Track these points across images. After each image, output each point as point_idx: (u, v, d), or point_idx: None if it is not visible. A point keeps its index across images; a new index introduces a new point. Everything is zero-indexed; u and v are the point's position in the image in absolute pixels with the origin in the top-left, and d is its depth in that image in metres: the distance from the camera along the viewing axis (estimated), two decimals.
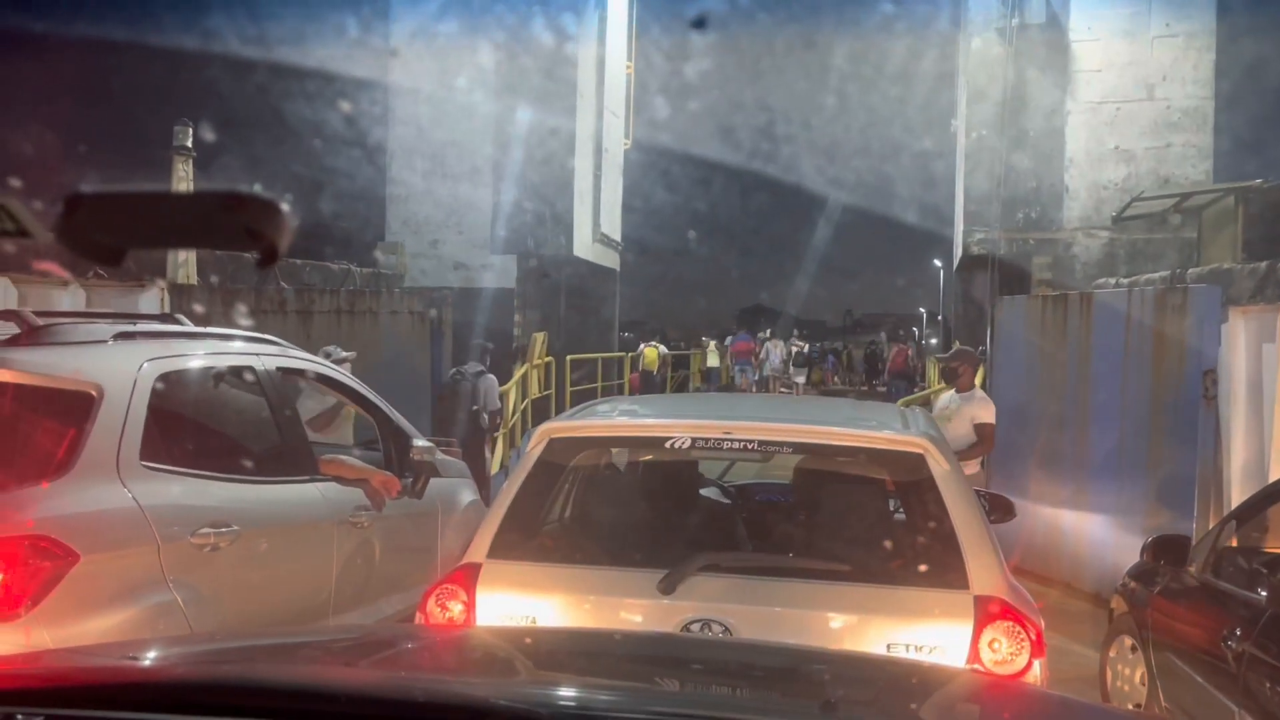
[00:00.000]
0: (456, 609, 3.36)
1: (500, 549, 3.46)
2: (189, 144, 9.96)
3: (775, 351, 27.06)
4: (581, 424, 3.91)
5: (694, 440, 3.63)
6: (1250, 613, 3.96)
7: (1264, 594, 3.95)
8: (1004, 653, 3.08)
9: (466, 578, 3.39)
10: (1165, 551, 4.75)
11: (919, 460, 3.46)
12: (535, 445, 3.72)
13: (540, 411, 13.82)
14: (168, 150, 10.04)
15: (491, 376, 9.40)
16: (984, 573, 3.22)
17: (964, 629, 3.10)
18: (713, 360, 26.43)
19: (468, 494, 6.21)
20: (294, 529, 4.23)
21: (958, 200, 17.67)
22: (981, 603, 3.14)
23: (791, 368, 26.72)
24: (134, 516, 3.37)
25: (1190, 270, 11.32)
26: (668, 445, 3.64)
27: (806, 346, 31.56)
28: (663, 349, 22.92)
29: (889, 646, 3.12)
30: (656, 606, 3.22)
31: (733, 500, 4.78)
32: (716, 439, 3.63)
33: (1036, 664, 3.09)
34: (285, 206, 1.16)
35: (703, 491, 4.71)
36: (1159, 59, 15.37)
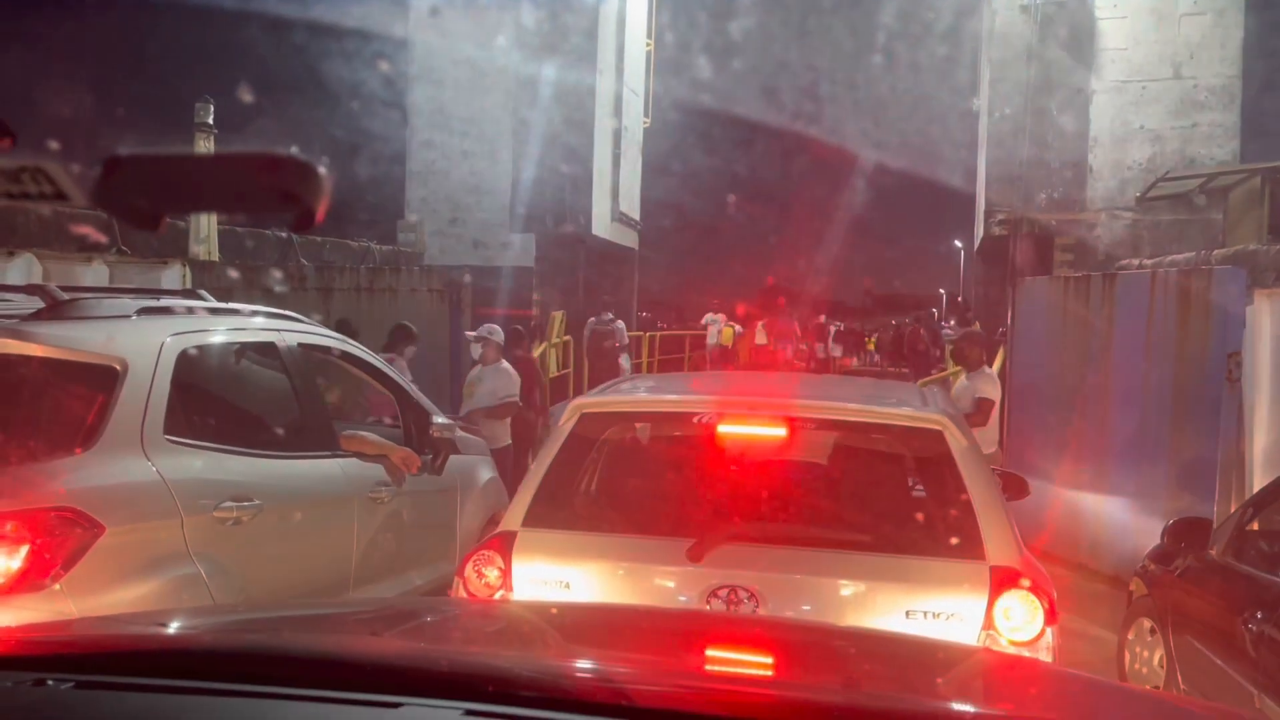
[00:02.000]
0: (493, 574, 3.49)
1: (535, 518, 3.59)
2: (210, 120, 9.99)
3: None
4: (612, 399, 4.11)
5: (720, 415, 3.74)
6: (1271, 596, 3.94)
7: None
8: (1018, 620, 3.19)
9: (503, 545, 3.53)
10: (1186, 534, 4.73)
11: (938, 436, 3.57)
12: (568, 420, 3.84)
13: (558, 390, 13.84)
14: (189, 127, 10.06)
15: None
16: (999, 544, 3.34)
17: (980, 598, 3.21)
18: (760, 339, 27.73)
19: (486, 471, 6.25)
20: (315, 504, 4.27)
21: (979, 180, 17.51)
22: (997, 573, 3.25)
23: (832, 345, 29.33)
24: (158, 489, 3.40)
25: (1215, 252, 11.20)
26: (695, 420, 3.82)
27: (843, 326, 34.51)
28: (737, 327, 24.47)
29: (907, 614, 3.21)
30: (685, 573, 3.35)
31: (757, 474, 4.87)
32: (742, 414, 3.76)
33: (1049, 632, 3.20)
34: (323, 169, 1.15)
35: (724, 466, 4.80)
36: (1186, 37, 15.13)
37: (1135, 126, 15.41)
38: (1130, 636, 5.37)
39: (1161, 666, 4.93)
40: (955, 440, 3.56)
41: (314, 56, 18.88)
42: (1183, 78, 15.17)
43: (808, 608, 3.35)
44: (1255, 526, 4.64)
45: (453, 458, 5.49)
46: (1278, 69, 15.24)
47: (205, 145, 9.99)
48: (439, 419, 5.48)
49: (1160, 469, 8.20)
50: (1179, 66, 15.15)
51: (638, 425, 4.28)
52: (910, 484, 4.10)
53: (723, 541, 3.39)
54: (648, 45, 23.08)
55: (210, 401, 4.09)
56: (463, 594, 3.55)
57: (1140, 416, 8.53)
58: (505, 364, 8.40)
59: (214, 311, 4.23)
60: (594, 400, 4.03)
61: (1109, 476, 8.77)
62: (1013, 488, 4.56)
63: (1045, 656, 3.18)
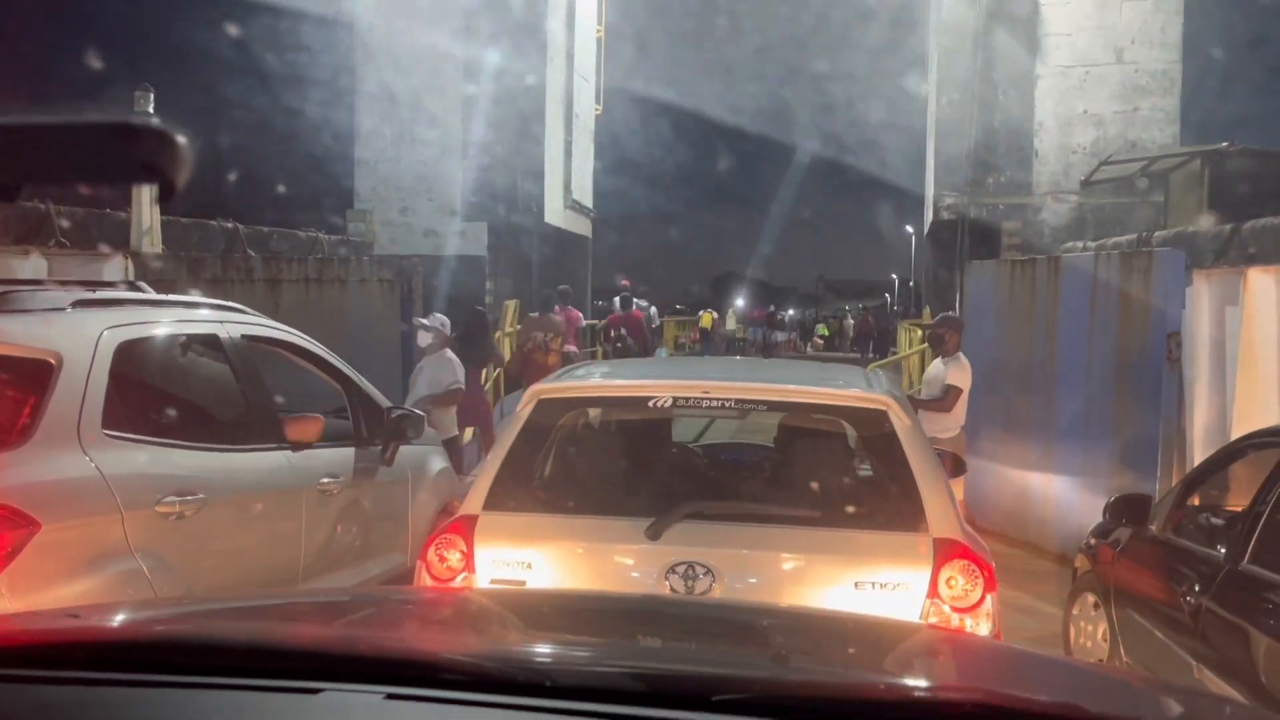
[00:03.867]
0: (455, 558, 3.57)
1: (495, 501, 3.68)
2: (150, 109, 9.76)
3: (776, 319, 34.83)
4: (569, 385, 4.19)
5: (675, 399, 3.89)
6: (1208, 569, 4.04)
7: (1222, 550, 4.03)
8: (960, 588, 3.35)
9: (465, 528, 3.60)
10: (1127, 510, 4.83)
11: (882, 416, 3.73)
12: (525, 405, 3.95)
13: (513, 378, 13.78)
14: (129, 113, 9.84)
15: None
16: (941, 518, 3.50)
17: (924, 567, 3.37)
18: (731, 324, 30.84)
19: (438, 461, 6.21)
20: (261, 496, 4.21)
21: (928, 165, 17.69)
22: (940, 544, 3.41)
23: (791, 332, 34.80)
24: (96, 485, 3.34)
25: (1156, 234, 11.42)
26: (650, 404, 3.91)
27: (791, 314, 41.14)
28: (715, 314, 28.61)
29: (856, 585, 3.37)
30: (644, 551, 3.47)
31: (708, 457, 4.98)
32: (696, 398, 3.89)
33: (989, 598, 3.38)
34: (182, 138, 1.11)
35: (678, 449, 4.93)
36: (1127, 22, 15.38)
37: (1079, 111, 15.65)
38: (1075, 611, 5.48)
39: (1105, 640, 5.03)
40: (898, 420, 3.71)
41: (258, 45, 18.55)
42: (1124, 63, 15.43)
43: (761, 581, 3.48)
44: (1193, 502, 4.76)
45: (404, 448, 5.45)
46: (1217, 54, 15.53)
47: None
48: (402, 409, 5.46)
49: (1104, 448, 8.36)
50: (1120, 52, 15.40)
51: (592, 410, 4.36)
52: (856, 462, 4.24)
53: (679, 520, 3.50)
54: (598, 33, 22.99)
55: (151, 395, 4.02)
56: (426, 578, 3.62)
57: (1085, 397, 8.69)
58: (449, 353, 8.33)
59: (153, 303, 4.15)
60: (551, 386, 4.10)
61: (1055, 456, 8.92)
62: (952, 465, 4.76)
63: (986, 622, 3.37)
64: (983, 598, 3.35)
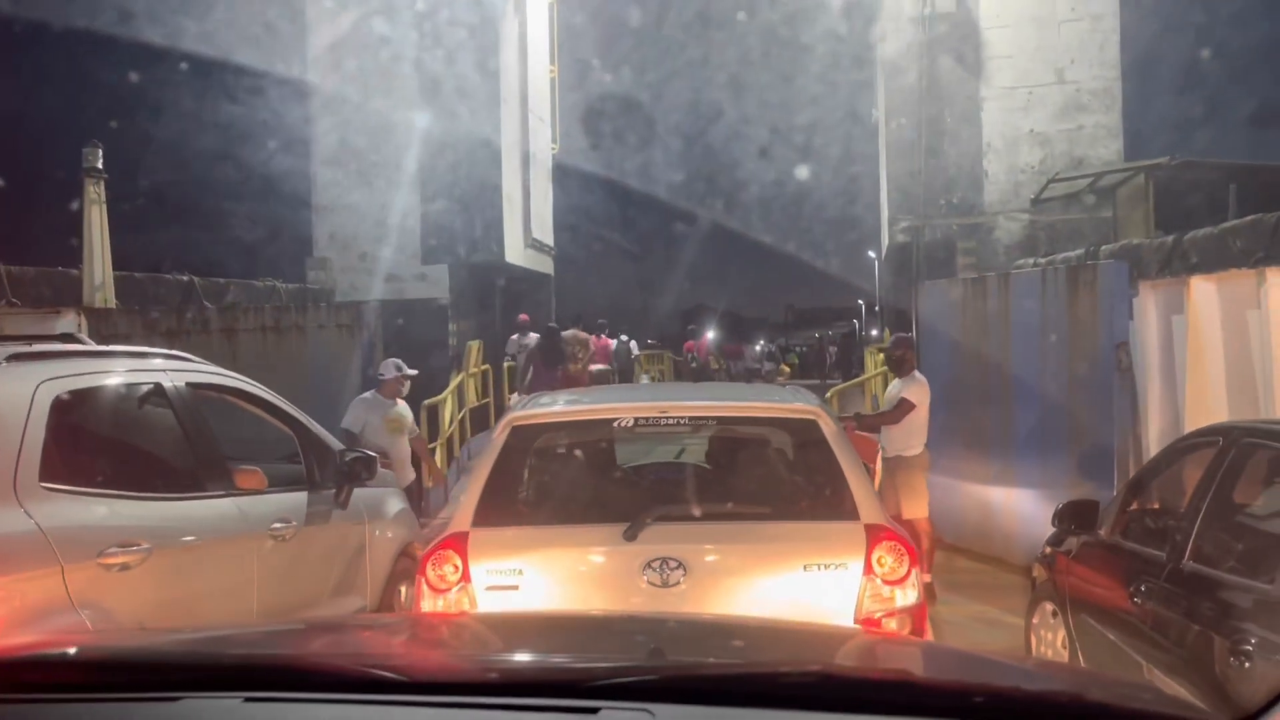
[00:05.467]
0: (450, 571, 4.00)
1: (482, 518, 4.11)
2: (99, 165, 9.74)
3: (751, 351, 37.24)
4: (539, 412, 4.65)
5: (636, 420, 4.42)
6: (1153, 569, 4.09)
7: (1165, 550, 4.09)
8: (889, 565, 3.91)
9: (458, 543, 4.03)
10: (1075, 517, 4.88)
11: (813, 424, 4.32)
12: (501, 433, 4.43)
13: (479, 420, 13.73)
14: (78, 172, 9.82)
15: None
16: (869, 508, 4.07)
17: (859, 550, 3.92)
18: (786, 368, 35.24)
19: (396, 503, 6.18)
20: (210, 544, 4.17)
21: (883, 189, 17.93)
22: (870, 529, 3.98)
23: (765, 362, 35.56)
24: (34, 539, 3.30)
25: (1104, 247, 11.63)
26: (615, 425, 4.49)
27: (774, 347, 42.36)
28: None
29: (805, 567, 3.91)
30: (622, 551, 3.92)
31: (673, 464, 5.59)
32: (655, 417, 4.43)
33: (914, 573, 3.94)
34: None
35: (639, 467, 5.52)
36: (1066, 43, 15.73)
37: (1024, 130, 15.95)
38: (1035, 621, 5.51)
39: (1064, 647, 5.07)
40: (827, 426, 4.29)
41: (213, 96, 18.57)
42: (1065, 82, 15.76)
43: (724, 569, 4.00)
44: (1138, 505, 4.83)
45: (360, 491, 5.43)
46: (1154, 70, 15.92)
47: (95, 191, 9.74)
48: (355, 451, 5.44)
49: (1062, 459, 8.45)
50: (1061, 71, 15.74)
51: (560, 435, 4.77)
52: (792, 464, 4.79)
53: (650, 522, 3.98)
54: (551, 72, 23.20)
55: (91, 446, 3.99)
56: (425, 590, 4.03)
57: (1040, 410, 8.79)
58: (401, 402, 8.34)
59: (94, 355, 4.13)
60: (522, 414, 4.55)
61: (1015, 470, 9.01)
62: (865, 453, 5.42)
63: (913, 592, 3.93)
64: (908, 572, 3.92)
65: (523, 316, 16.21)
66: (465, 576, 3.96)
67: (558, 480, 4.70)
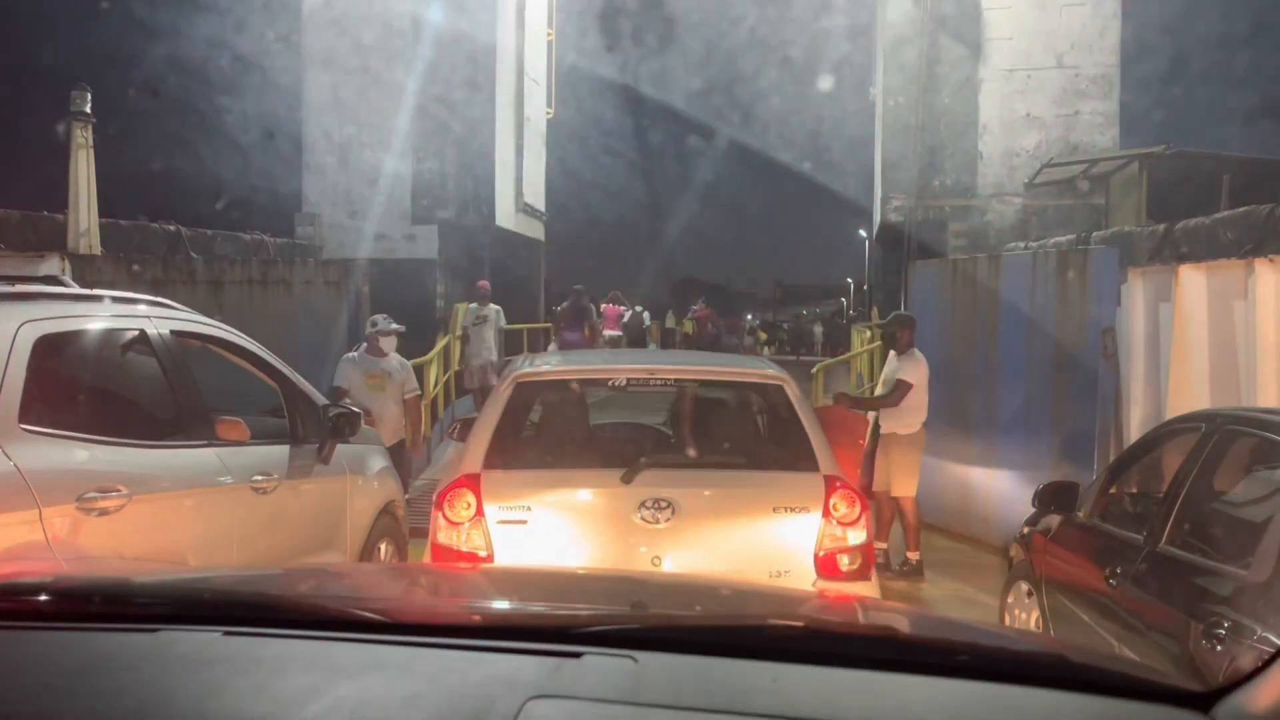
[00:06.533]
0: (464, 506, 4.48)
1: (491, 462, 4.61)
2: (88, 109, 9.60)
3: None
4: (542, 369, 5.27)
5: (629, 379, 5.03)
6: (1130, 552, 4.12)
7: (1143, 533, 4.11)
8: (843, 510, 4.52)
9: (471, 482, 4.53)
10: (1055, 498, 4.91)
11: (781, 389, 5.00)
12: (506, 387, 4.93)
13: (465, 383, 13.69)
14: (66, 115, 9.68)
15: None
16: (826, 462, 4.68)
17: (819, 496, 4.53)
18: (762, 337, 37.51)
19: (378, 460, 6.17)
20: (190, 493, 4.15)
21: (876, 168, 17.87)
22: (828, 480, 4.59)
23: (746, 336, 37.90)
24: (12, 480, 3.27)
25: (1095, 234, 11.64)
26: (610, 383, 5.07)
27: (757, 322, 45.53)
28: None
29: (774, 509, 4.51)
30: (620, 492, 4.46)
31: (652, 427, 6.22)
32: (644, 378, 5.07)
33: (864, 516, 4.57)
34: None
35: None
36: (1067, 27, 15.65)
37: (1022, 114, 15.90)
38: (1010, 600, 5.56)
39: (1038, 626, 5.11)
40: (793, 391, 4.95)
41: (205, 47, 18.33)
42: (1065, 67, 15.70)
43: (706, 508, 4.54)
44: (1118, 488, 4.85)
45: (343, 447, 5.41)
46: (1153, 59, 15.88)
47: (82, 136, 9.61)
48: (339, 407, 5.42)
49: (1044, 441, 8.50)
50: (1061, 56, 15.67)
51: (559, 390, 5.34)
52: (765, 421, 5.46)
53: (644, 467, 4.55)
54: (549, 35, 22.97)
55: (73, 390, 3.95)
56: (441, 522, 4.50)
57: (1025, 392, 8.83)
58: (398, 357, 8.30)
59: (76, 298, 4.08)
60: (527, 371, 5.11)
61: (998, 451, 9.06)
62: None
63: (863, 531, 4.55)
64: (859, 516, 4.55)
65: (482, 283, 14.31)
66: (479, 512, 4.44)
67: (558, 430, 5.30)
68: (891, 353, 8.41)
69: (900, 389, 7.92)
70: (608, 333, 17.81)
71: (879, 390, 8.67)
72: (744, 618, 1.70)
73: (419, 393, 8.40)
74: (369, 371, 8.09)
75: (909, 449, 7.99)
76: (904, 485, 7.93)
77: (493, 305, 13.60)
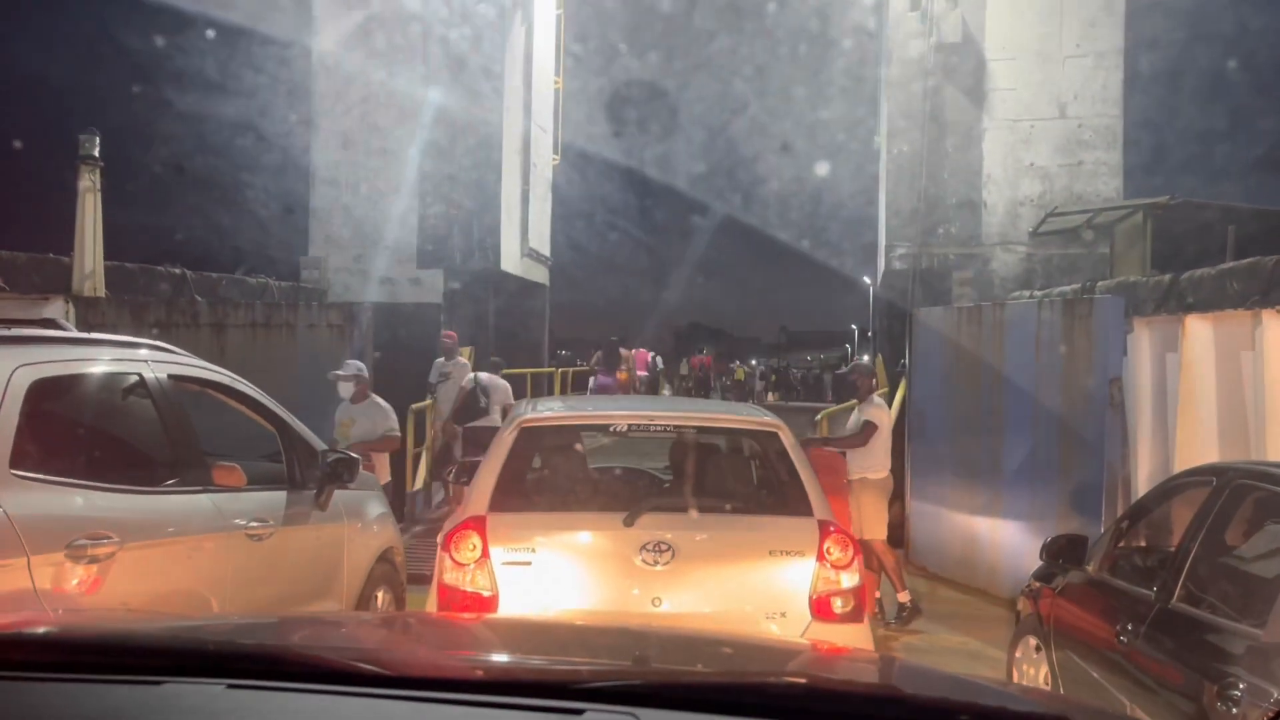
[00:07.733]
0: (470, 548, 4.56)
1: (497, 505, 4.71)
2: (95, 153, 9.67)
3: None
4: (546, 415, 5.42)
5: (629, 425, 5.21)
6: (1142, 608, 4.04)
7: (1154, 590, 4.03)
8: (836, 554, 4.63)
9: (477, 525, 4.62)
10: (1063, 552, 4.83)
11: (775, 435, 5.14)
12: (510, 432, 5.04)
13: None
14: (74, 159, 9.74)
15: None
16: (820, 507, 4.80)
17: (813, 540, 4.64)
18: (740, 375, 40.32)
19: (376, 506, 6.11)
20: (182, 540, 4.09)
21: (881, 216, 17.92)
22: (822, 524, 4.71)
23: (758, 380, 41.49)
24: (1, 527, 3.22)
25: (1100, 283, 11.61)
26: (611, 429, 5.26)
27: (764, 367, 48.03)
28: (745, 367, 37.98)
29: (770, 552, 4.65)
30: (623, 535, 4.59)
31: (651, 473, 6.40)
32: (644, 424, 5.28)
33: (856, 560, 4.68)
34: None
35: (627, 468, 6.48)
36: (1070, 78, 15.76)
37: (1025, 164, 15.96)
38: (1018, 655, 5.46)
39: (1046, 683, 5.01)
40: (786, 437, 5.11)
41: (213, 93, 18.52)
42: (1068, 117, 15.78)
43: (704, 552, 4.64)
44: (1127, 542, 4.77)
45: (341, 492, 5.35)
46: (1155, 109, 15.96)
47: (89, 179, 9.67)
48: (338, 453, 5.37)
49: (1051, 492, 8.41)
50: (1064, 106, 15.76)
51: (562, 436, 5.61)
52: (760, 468, 5.60)
53: (646, 511, 4.69)
54: (556, 84, 23.20)
55: (67, 434, 3.90)
56: (447, 564, 4.58)
57: (1031, 441, 8.75)
58: (377, 399, 8.19)
59: (73, 341, 4.05)
60: (531, 416, 5.22)
61: (1004, 501, 8.96)
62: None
63: (855, 574, 4.65)
64: (852, 559, 4.65)
65: (448, 335, 12.41)
66: (485, 554, 4.55)
67: (561, 474, 5.50)
68: (854, 401, 8.60)
69: (867, 429, 8.04)
70: (642, 374, 19.89)
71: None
72: (745, 675, 1.71)
73: (396, 434, 8.26)
74: (341, 419, 8.09)
75: (879, 494, 8.15)
76: (875, 529, 8.00)
77: (460, 359, 12.02)
